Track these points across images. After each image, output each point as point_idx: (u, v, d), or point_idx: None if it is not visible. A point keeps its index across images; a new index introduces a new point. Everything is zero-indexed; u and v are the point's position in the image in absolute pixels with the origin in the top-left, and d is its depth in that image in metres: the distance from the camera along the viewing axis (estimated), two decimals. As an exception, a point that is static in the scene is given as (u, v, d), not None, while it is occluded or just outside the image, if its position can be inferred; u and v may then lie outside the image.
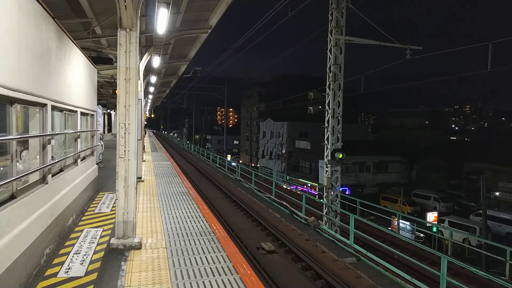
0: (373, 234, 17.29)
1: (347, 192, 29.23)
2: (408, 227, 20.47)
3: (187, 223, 8.09)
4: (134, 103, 6.17)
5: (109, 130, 38.54)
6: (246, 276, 5.35)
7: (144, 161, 19.36)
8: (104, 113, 32.26)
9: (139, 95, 11.48)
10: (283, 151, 45.08)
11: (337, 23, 13.63)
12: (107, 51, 13.66)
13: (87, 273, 5.21)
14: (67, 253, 5.94)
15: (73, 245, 6.35)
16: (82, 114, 9.06)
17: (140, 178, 13.64)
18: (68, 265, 5.46)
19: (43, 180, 5.84)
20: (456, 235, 18.79)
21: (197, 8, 10.98)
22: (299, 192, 24.15)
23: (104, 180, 12.36)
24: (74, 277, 5.09)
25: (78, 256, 5.85)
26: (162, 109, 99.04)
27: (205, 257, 6.06)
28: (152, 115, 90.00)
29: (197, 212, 9.18)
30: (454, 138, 79.61)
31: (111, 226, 7.42)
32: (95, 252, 6.03)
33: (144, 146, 22.60)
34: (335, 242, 8.76)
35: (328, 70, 14.04)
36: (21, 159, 5.33)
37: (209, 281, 5.11)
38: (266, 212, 11.00)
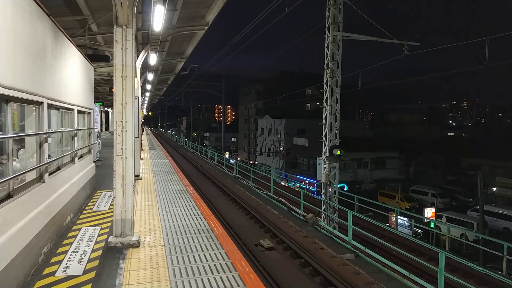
0: (371, 230, 17.36)
1: (345, 189, 29.29)
2: (406, 223, 20.55)
3: (185, 221, 8.08)
4: (131, 100, 6.13)
5: (107, 128, 38.44)
6: (245, 273, 5.36)
7: (142, 159, 19.33)
8: (101, 111, 32.17)
9: (136, 92, 11.42)
10: (281, 148, 45.09)
11: (334, 19, 13.58)
12: (103, 48, 13.58)
13: (85, 272, 5.20)
14: (65, 252, 5.93)
15: (71, 243, 6.33)
16: (79, 112, 9.01)
17: (138, 176, 13.61)
18: (66, 264, 5.45)
19: (40, 178, 5.81)
20: (453, 230, 18.89)
21: (193, 5, 10.92)
22: (297, 189, 24.19)
23: (102, 178, 12.33)
24: (72, 275, 5.07)
25: (76, 254, 5.83)
26: (160, 107, 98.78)
27: (204, 254, 6.06)
28: (150, 113, 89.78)
29: (195, 210, 9.17)
30: (452, 134, 79.95)
31: (109, 224, 7.41)
32: (93, 251, 6.02)
33: (141, 144, 22.55)
34: (333, 239, 8.77)
35: (325, 67, 14.00)
36: (17, 158, 5.30)
37: (208, 279, 5.11)
38: (265, 209, 11.00)
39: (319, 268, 6.52)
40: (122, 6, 5.67)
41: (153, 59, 13.77)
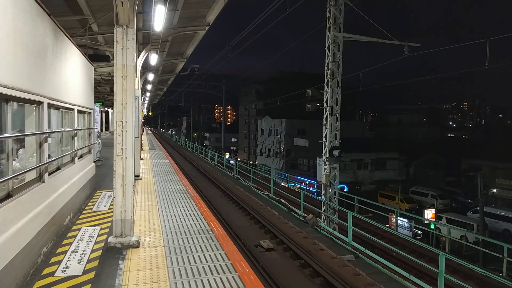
0: (371, 231, 17.34)
1: (345, 190, 29.26)
2: (406, 224, 20.54)
3: (185, 221, 8.07)
4: (131, 100, 6.12)
5: (107, 128, 38.43)
6: (244, 274, 5.34)
7: (142, 159, 19.31)
8: (101, 111, 32.16)
9: (137, 92, 11.42)
10: (281, 148, 45.07)
11: (335, 20, 13.58)
12: (104, 48, 13.57)
13: (85, 272, 5.19)
14: (65, 252, 5.91)
15: (70, 243, 6.32)
16: (79, 112, 9.00)
17: (138, 176, 13.59)
18: (66, 264, 5.44)
19: (39, 178, 5.80)
20: (453, 232, 18.86)
21: (194, 5, 10.91)
22: (297, 190, 24.18)
23: (102, 178, 12.31)
24: (72, 276, 5.06)
25: (75, 255, 5.82)
26: (160, 107, 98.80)
27: (204, 255, 6.04)
28: (150, 113, 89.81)
29: (195, 210, 9.16)
30: (452, 135, 79.93)
31: (109, 224, 7.39)
32: (92, 251, 6.01)
33: (141, 144, 22.54)
34: (333, 240, 8.76)
35: (326, 68, 14.00)
36: (17, 157, 5.28)
37: (208, 280, 5.09)
38: (265, 209, 10.98)
39: (319, 269, 6.50)
40: (122, 6, 5.67)
41: (154, 59, 13.76)
